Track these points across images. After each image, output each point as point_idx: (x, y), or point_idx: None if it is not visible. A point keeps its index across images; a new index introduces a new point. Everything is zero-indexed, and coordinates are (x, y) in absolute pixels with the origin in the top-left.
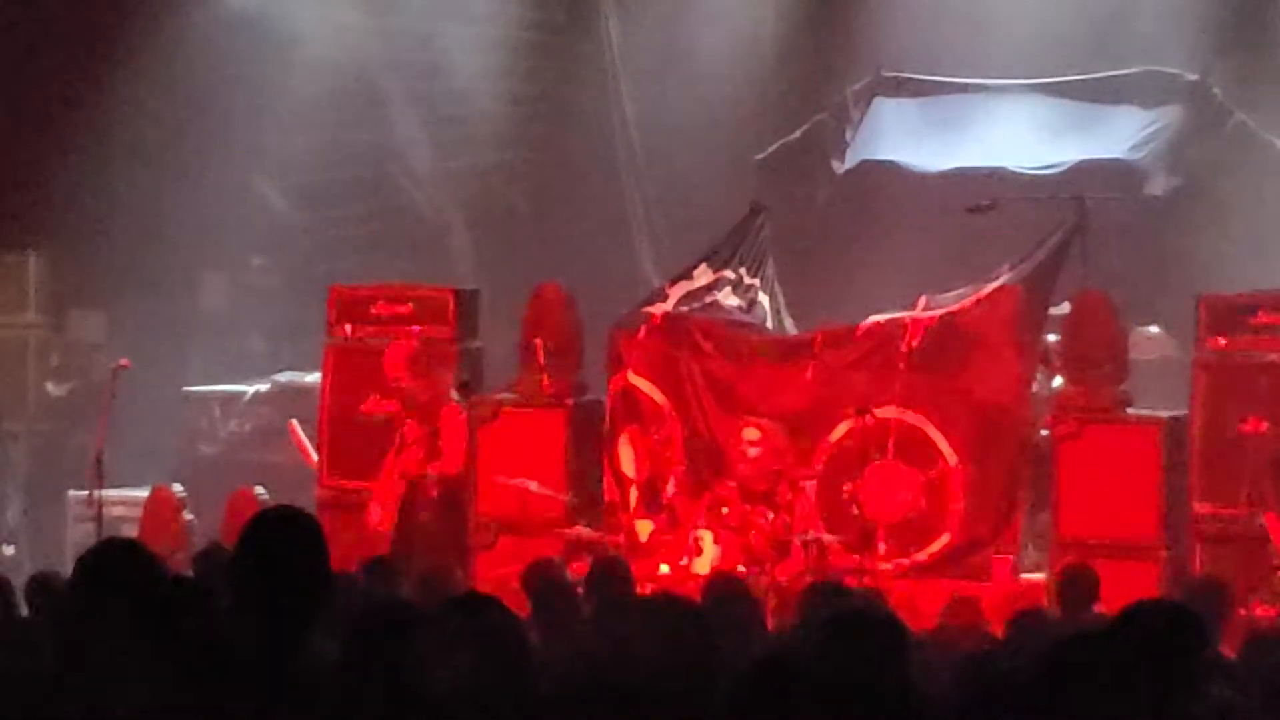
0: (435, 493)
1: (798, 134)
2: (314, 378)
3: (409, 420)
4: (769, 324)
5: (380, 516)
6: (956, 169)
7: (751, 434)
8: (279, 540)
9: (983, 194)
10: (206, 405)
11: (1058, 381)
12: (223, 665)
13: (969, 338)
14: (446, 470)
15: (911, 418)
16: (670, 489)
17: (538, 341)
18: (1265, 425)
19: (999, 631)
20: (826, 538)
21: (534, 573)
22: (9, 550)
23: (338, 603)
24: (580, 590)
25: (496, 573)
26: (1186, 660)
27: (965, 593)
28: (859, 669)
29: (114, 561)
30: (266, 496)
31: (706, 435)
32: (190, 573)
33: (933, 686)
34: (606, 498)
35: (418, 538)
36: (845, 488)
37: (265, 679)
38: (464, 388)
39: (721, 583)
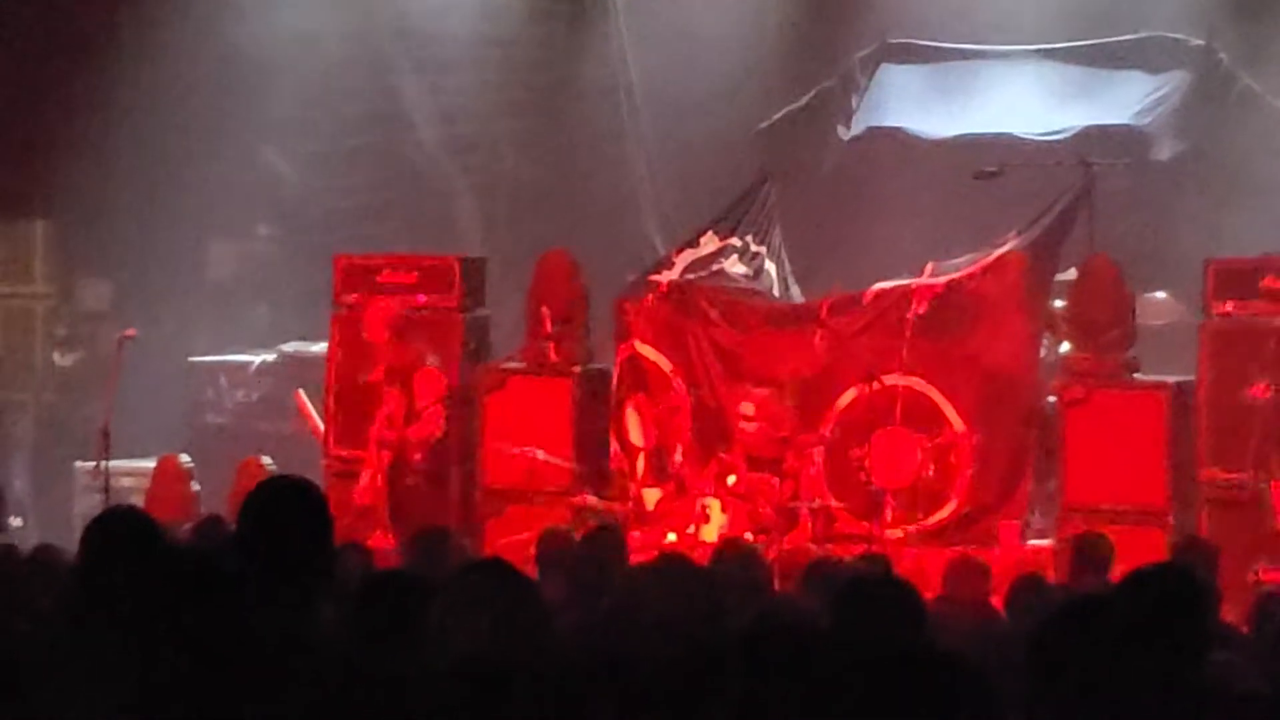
0: (419, 457)
1: (804, 101)
2: (320, 347)
3: (388, 389)
4: (775, 291)
5: (365, 488)
6: (963, 135)
7: (747, 408)
8: (282, 509)
9: (989, 160)
10: (213, 375)
11: (1065, 347)
12: (228, 634)
13: (976, 304)
14: (425, 434)
15: (919, 384)
16: (678, 457)
17: (544, 310)
18: (1272, 390)
19: (1000, 597)
20: (834, 505)
21: (545, 541)
22: (16, 522)
23: (346, 572)
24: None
25: (504, 541)
26: (1190, 625)
27: (971, 554)
28: (875, 636)
29: (119, 530)
30: (273, 466)
31: (713, 403)
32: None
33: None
34: (614, 466)
35: (408, 504)
36: (853, 455)
37: (270, 647)
38: (473, 356)
39: (730, 548)
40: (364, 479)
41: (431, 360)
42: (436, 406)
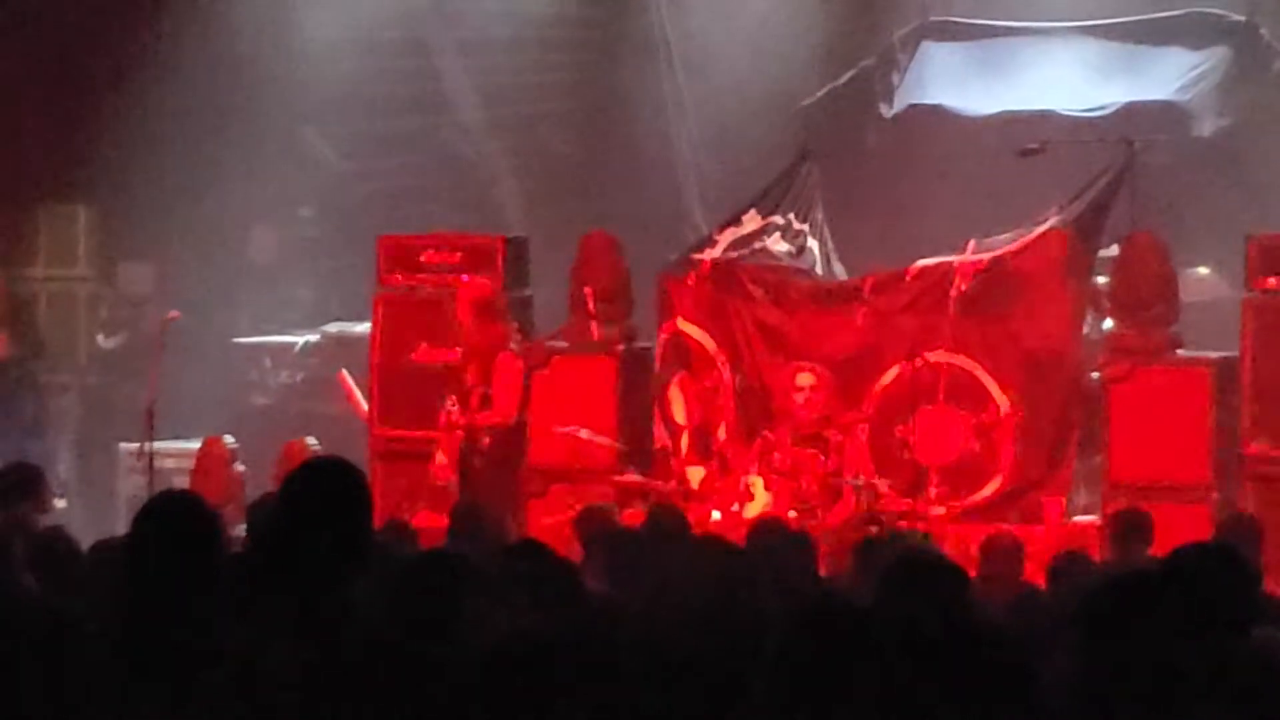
0: (488, 442)
1: (845, 79)
2: (364, 328)
3: (469, 366)
4: (818, 269)
5: (442, 465)
6: (1004, 112)
7: (805, 379)
8: (322, 490)
9: (1031, 137)
10: (257, 356)
11: (1108, 324)
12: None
13: (1018, 281)
14: (497, 420)
15: (962, 361)
16: (721, 435)
17: (587, 289)
18: None
19: (1044, 574)
20: (878, 482)
21: (587, 519)
22: (60, 503)
23: (389, 553)
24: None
25: (548, 520)
26: (1234, 601)
27: (1003, 530)
28: (920, 613)
29: (172, 514)
30: (318, 447)
31: (757, 381)
32: (243, 523)
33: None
34: (657, 444)
35: (471, 487)
36: (896, 432)
37: (309, 627)
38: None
39: (765, 527)
40: (439, 457)
41: (515, 343)
42: (510, 394)
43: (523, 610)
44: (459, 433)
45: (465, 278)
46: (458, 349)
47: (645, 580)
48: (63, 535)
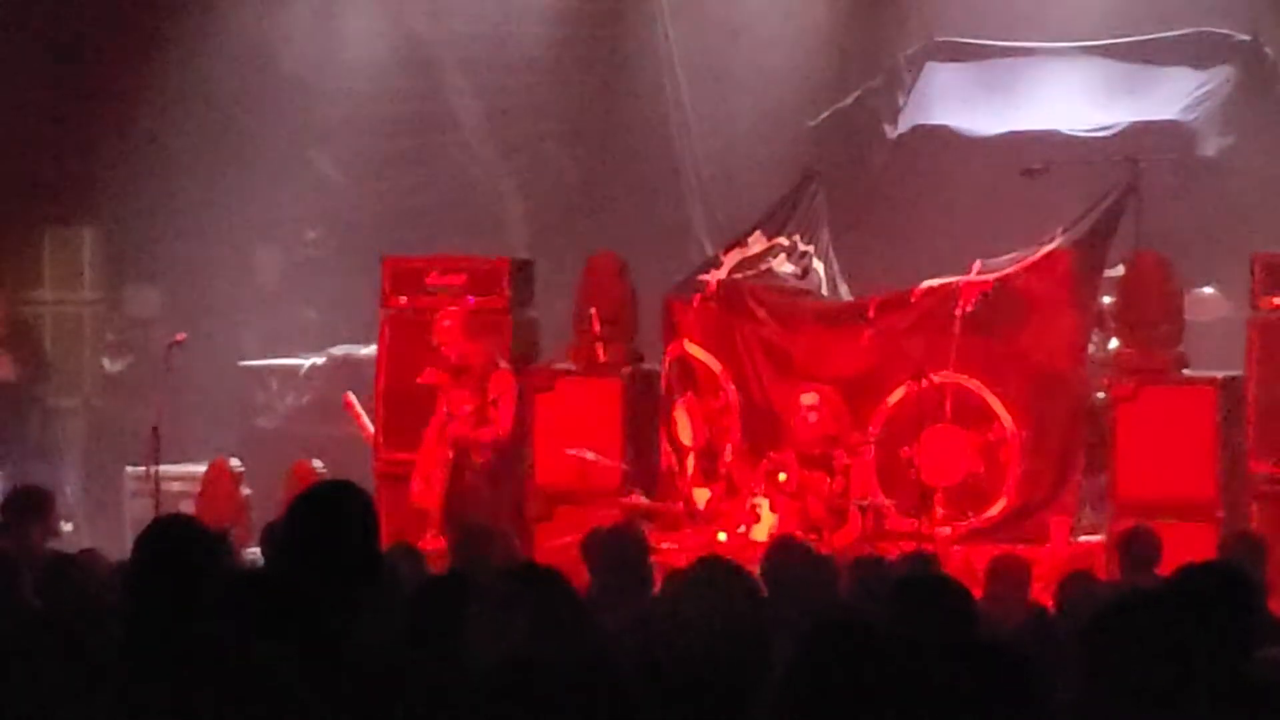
0: (483, 458)
1: (850, 100)
2: (370, 350)
3: (456, 390)
4: (824, 290)
5: (421, 489)
6: (1009, 133)
7: (810, 399)
8: (329, 513)
9: (1036, 157)
10: (263, 379)
11: (1114, 343)
12: (273, 639)
13: (1024, 301)
14: (496, 436)
15: (967, 382)
16: (727, 456)
17: (592, 310)
18: None
19: (1050, 594)
20: (884, 502)
21: (593, 542)
22: (67, 527)
23: (397, 575)
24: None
25: (555, 543)
26: (1238, 620)
27: (1010, 550)
28: (926, 633)
29: (172, 539)
30: (324, 469)
31: (763, 402)
32: (250, 546)
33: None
34: (663, 466)
35: (466, 504)
36: (902, 452)
37: (317, 651)
38: (522, 357)
39: (782, 546)
40: (417, 482)
41: (502, 363)
42: (508, 409)
43: (524, 633)
44: (449, 451)
45: (472, 299)
46: (445, 373)
47: (649, 602)
48: (84, 560)
